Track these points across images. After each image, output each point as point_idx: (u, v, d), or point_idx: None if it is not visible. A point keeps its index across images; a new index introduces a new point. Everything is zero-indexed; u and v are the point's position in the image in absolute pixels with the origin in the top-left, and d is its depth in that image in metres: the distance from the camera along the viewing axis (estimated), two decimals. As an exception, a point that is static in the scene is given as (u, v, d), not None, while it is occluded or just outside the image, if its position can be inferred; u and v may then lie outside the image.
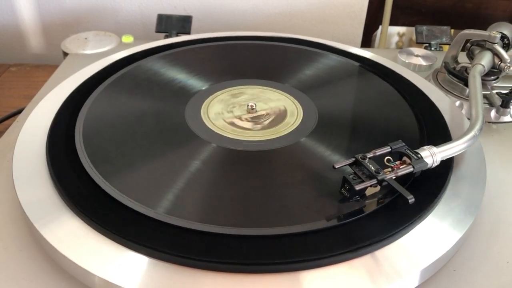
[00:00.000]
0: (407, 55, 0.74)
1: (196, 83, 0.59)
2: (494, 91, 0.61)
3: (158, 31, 0.80)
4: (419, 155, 0.41)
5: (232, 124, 0.52)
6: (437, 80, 0.66)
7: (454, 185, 0.44)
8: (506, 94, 0.59)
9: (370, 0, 0.94)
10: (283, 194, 0.42)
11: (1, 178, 0.47)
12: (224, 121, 0.52)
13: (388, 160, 0.41)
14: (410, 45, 1.31)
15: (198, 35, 0.73)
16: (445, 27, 0.81)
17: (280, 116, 0.54)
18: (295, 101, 0.56)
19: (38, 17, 0.95)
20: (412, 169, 0.40)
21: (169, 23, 0.80)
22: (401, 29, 1.28)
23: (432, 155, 0.42)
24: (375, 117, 0.54)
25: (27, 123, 0.51)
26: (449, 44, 0.68)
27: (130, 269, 0.35)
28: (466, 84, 0.60)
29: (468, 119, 0.51)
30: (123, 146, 0.48)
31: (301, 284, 0.35)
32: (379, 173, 0.39)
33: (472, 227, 0.41)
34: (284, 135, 0.50)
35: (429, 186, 0.43)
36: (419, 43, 0.81)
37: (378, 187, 0.41)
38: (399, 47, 1.32)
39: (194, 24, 0.81)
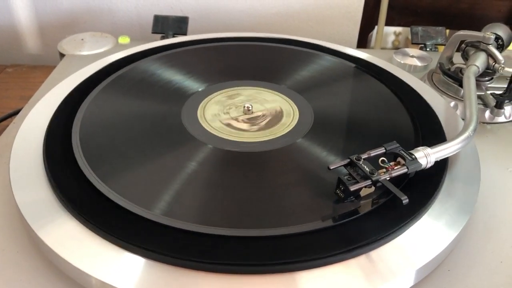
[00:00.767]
0: (402, 56, 0.74)
1: (192, 84, 0.59)
2: (489, 92, 0.61)
3: (154, 32, 0.80)
4: (413, 156, 0.42)
5: (229, 125, 0.52)
6: (432, 80, 0.66)
7: (449, 185, 0.44)
8: (500, 94, 0.59)
9: (365, 0, 0.94)
10: (279, 195, 0.42)
11: (-2, 180, 0.47)
12: (221, 122, 0.53)
13: (383, 161, 0.41)
14: (406, 44, 1.32)
15: (194, 36, 0.73)
16: (440, 27, 0.81)
17: (276, 117, 0.54)
18: (291, 102, 0.57)
19: (35, 18, 0.95)
20: (406, 170, 0.41)
21: (166, 24, 0.80)
22: (398, 28, 1.28)
23: (426, 156, 0.42)
24: (370, 118, 0.55)
25: (24, 124, 0.51)
26: (444, 45, 0.68)
27: (127, 270, 0.35)
28: (461, 85, 0.60)
29: (463, 119, 0.51)
30: (120, 148, 0.48)
31: (297, 284, 0.35)
32: (374, 174, 0.39)
33: (467, 227, 0.42)
34: (280, 136, 0.51)
35: (424, 186, 0.43)
36: (414, 44, 0.81)
37: (373, 188, 0.41)
38: (396, 46, 1.33)
39: (190, 24, 0.81)
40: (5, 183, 0.45)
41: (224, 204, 0.41)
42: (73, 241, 0.38)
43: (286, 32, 0.86)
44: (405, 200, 0.38)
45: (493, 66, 0.60)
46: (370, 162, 0.41)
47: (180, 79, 0.60)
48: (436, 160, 0.43)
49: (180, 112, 0.54)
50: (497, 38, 0.62)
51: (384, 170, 0.41)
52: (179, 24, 0.81)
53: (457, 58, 0.66)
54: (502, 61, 0.60)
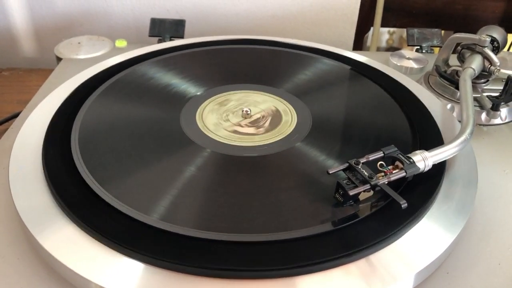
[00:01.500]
0: (398, 58, 0.75)
1: (190, 88, 0.59)
2: (485, 94, 0.62)
3: (151, 35, 0.80)
4: (411, 160, 0.42)
5: (236, 132, 0.52)
6: (429, 83, 0.66)
7: (447, 188, 0.45)
8: (496, 97, 0.60)
9: (361, 2, 0.95)
10: (278, 200, 0.42)
11: (-3, 185, 0.47)
12: (226, 130, 0.52)
13: (381, 165, 0.42)
14: (400, 43, 1.32)
15: (188, 40, 0.73)
16: (436, 29, 0.82)
17: (276, 116, 0.54)
18: (283, 100, 0.57)
19: (31, 21, 0.94)
20: (404, 173, 0.41)
21: (163, 27, 0.80)
22: (392, 28, 1.28)
23: (424, 160, 0.42)
24: (368, 121, 0.55)
25: (22, 130, 0.51)
26: (440, 47, 0.69)
27: (126, 275, 0.36)
28: (457, 87, 0.60)
29: (459, 121, 0.52)
30: (119, 152, 0.48)
31: (297, 289, 0.35)
32: (372, 178, 0.40)
33: (465, 229, 0.42)
34: (278, 140, 0.51)
35: (422, 189, 0.43)
36: (410, 46, 0.82)
37: (372, 192, 0.41)
38: (390, 45, 1.33)
39: (187, 27, 0.81)
40: (4, 188, 0.45)
41: (223, 209, 0.41)
42: (73, 246, 0.38)
43: (283, 35, 0.86)
44: (404, 204, 0.38)
45: (489, 68, 0.61)
46: (369, 166, 0.41)
47: (178, 83, 0.60)
48: (434, 163, 0.43)
49: (178, 116, 0.54)
50: (493, 40, 0.63)
51: (383, 174, 0.41)
52: (176, 27, 0.81)
53: (453, 60, 0.66)
54: (498, 63, 0.60)
